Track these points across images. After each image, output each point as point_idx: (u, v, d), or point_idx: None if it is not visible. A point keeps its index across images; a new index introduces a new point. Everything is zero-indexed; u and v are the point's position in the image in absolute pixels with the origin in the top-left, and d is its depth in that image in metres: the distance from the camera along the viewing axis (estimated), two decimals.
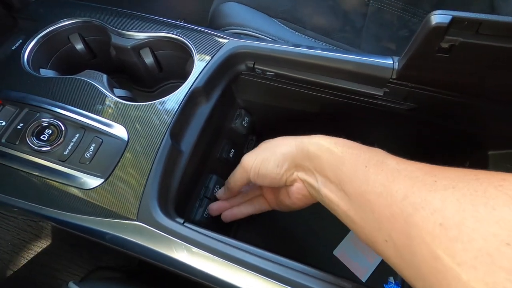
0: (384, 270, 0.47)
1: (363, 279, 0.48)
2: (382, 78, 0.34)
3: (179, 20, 0.43)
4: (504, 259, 0.13)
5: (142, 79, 0.45)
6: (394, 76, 0.33)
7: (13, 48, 0.39)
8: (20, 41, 0.40)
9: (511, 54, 0.26)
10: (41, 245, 0.70)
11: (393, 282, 0.47)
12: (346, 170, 0.24)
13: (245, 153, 0.47)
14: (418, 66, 0.31)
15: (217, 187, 0.41)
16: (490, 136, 0.36)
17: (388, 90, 0.35)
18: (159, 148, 0.31)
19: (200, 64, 0.36)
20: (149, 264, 0.29)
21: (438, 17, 0.26)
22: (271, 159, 0.30)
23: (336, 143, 0.26)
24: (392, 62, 0.33)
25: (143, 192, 0.29)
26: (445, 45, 0.27)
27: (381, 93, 0.35)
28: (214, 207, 0.37)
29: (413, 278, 0.17)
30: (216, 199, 0.39)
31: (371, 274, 0.47)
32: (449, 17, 0.25)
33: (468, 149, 0.39)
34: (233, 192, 0.36)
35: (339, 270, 0.48)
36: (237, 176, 0.34)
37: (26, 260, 0.69)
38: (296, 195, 0.30)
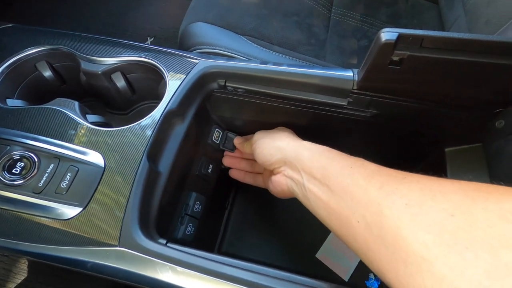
0: (364, 268, 0.50)
1: (345, 278, 0.50)
2: (345, 89, 0.36)
3: (149, 38, 0.44)
4: (449, 224, 0.17)
5: (115, 102, 0.45)
6: (355, 87, 0.36)
7: None
8: None
9: (452, 65, 0.29)
10: (16, 280, 0.66)
11: (374, 278, 0.49)
12: (333, 169, 0.28)
13: (223, 167, 0.49)
14: (375, 78, 0.34)
15: (197, 203, 0.42)
16: (445, 135, 0.40)
17: (352, 100, 0.38)
18: (136, 171, 0.31)
19: (173, 86, 0.37)
20: None
21: (387, 35, 0.29)
22: (268, 146, 0.37)
23: (328, 150, 0.32)
24: (352, 74, 0.36)
25: (123, 216, 0.29)
26: (395, 58, 0.30)
27: (345, 103, 0.38)
28: (228, 160, 0.48)
29: (376, 248, 0.21)
30: (196, 217, 0.40)
31: (352, 273, 0.50)
32: (396, 34, 0.28)
33: (426, 147, 0.43)
34: (240, 150, 0.46)
35: (322, 272, 0.50)
36: (247, 143, 0.43)
37: None
38: (276, 185, 0.36)
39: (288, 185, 0.34)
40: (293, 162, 0.33)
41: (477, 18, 0.52)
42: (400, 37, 0.28)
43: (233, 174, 0.48)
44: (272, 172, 0.37)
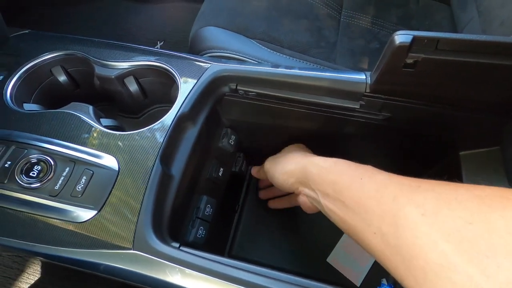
0: (376, 273, 0.49)
1: (357, 283, 0.49)
2: (357, 93, 0.36)
3: (158, 42, 0.44)
4: (468, 232, 0.17)
5: (128, 106, 0.46)
6: (367, 90, 0.36)
7: None
8: (2, 77, 0.40)
9: (467, 67, 0.29)
10: (29, 281, 0.67)
11: (386, 283, 0.48)
12: (343, 183, 0.28)
13: (233, 170, 0.49)
14: (388, 80, 0.33)
15: (208, 206, 0.42)
16: (460, 139, 0.39)
17: (364, 103, 0.37)
18: (150, 175, 0.32)
19: (185, 90, 0.37)
20: None
21: (401, 37, 0.28)
22: (280, 172, 0.38)
23: (335, 162, 0.31)
24: (365, 77, 0.36)
25: (137, 220, 0.30)
26: (409, 61, 0.30)
27: (357, 106, 0.38)
28: (263, 193, 0.52)
29: (393, 258, 0.21)
30: (207, 220, 0.40)
31: (364, 278, 0.49)
32: (411, 37, 0.28)
33: (441, 151, 0.42)
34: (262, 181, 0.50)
35: (334, 276, 0.49)
36: (262, 171, 0.45)
37: None
38: (303, 204, 0.37)
39: (311, 203, 0.35)
40: (306, 182, 0.34)
41: (492, 20, 0.52)
42: (415, 39, 0.28)
43: (272, 204, 0.51)
44: (295, 195, 0.38)
